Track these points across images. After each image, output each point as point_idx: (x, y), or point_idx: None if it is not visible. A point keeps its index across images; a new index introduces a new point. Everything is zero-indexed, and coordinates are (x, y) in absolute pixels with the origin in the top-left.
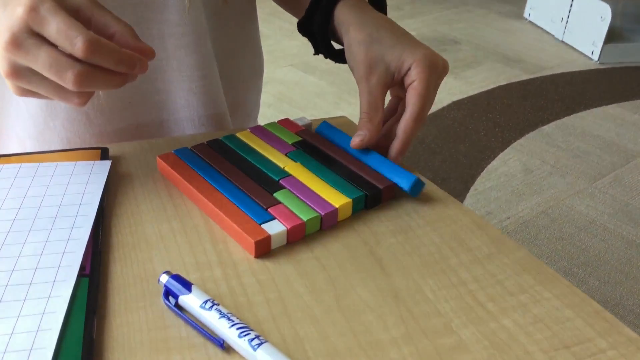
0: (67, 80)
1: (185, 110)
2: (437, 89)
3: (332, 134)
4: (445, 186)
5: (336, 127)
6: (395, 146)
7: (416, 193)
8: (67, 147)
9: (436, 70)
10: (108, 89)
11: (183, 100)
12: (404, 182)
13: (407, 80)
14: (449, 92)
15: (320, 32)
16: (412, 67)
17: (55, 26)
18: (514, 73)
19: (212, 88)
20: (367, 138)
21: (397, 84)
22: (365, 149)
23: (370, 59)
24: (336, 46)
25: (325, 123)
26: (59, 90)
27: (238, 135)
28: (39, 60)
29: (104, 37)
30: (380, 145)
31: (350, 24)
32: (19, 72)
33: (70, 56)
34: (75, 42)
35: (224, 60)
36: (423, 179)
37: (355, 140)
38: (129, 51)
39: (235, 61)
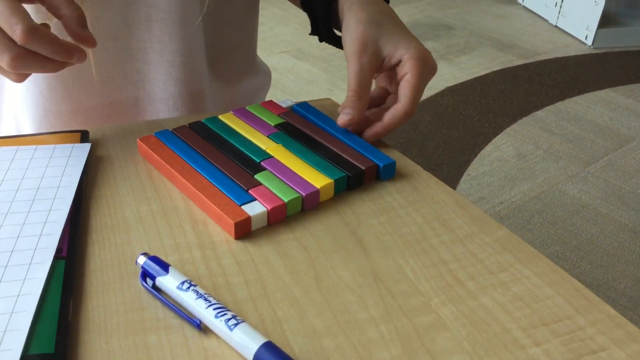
0: (3, 61)
1: (162, 93)
2: (425, 86)
3: (311, 114)
4: (439, 172)
5: (314, 108)
6: (376, 129)
7: (386, 176)
8: (45, 115)
9: (428, 67)
10: (44, 72)
11: (161, 84)
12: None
13: (400, 72)
14: (442, 78)
15: (323, 9)
16: (406, 59)
17: None
18: (507, 58)
19: (194, 77)
20: (356, 117)
21: (384, 71)
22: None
23: (366, 38)
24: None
25: (304, 103)
26: None
27: (220, 117)
28: None
29: (56, 17)
30: (357, 128)
31: (353, 2)
32: None
33: (10, 38)
34: (15, 28)
35: (215, 52)
36: (403, 158)
37: (344, 119)
38: (68, 42)
39: (228, 55)
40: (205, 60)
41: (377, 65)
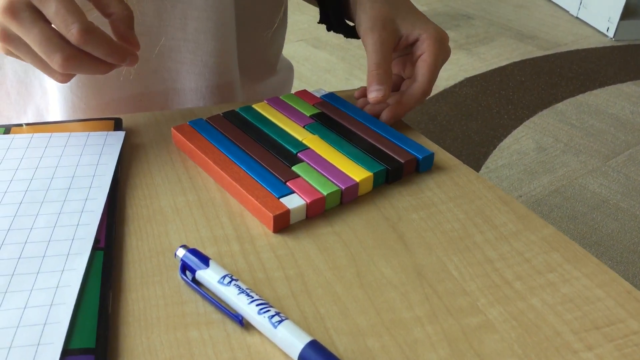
0: (55, 61)
1: (192, 92)
2: (441, 67)
3: (340, 105)
4: None
5: (342, 98)
6: (395, 109)
7: (424, 168)
8: (74, 112)
9: (444, 48)
10: (93, 74)
11: (192, 83)
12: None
13: (417, 52)
14: (461, 69)
15: None
16: (423, 38)
17: (54, 7)
18: (527, 49)
19: (225, 75)
20: (387, 92)
21: (400, 50)
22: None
23: (384, 16)
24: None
25: (331, 94)
26: (44, 66)
27: (254, 106)
28: (31, 35)
29: (104, 15)
30: (375, 110)
31: None
32: (9, 38)
33: (63, 37)
34: (71, 27)
35: (244, 52)
36: (441, 151)
37: (376, 95)
38: (122, 44)
39: (257, 54)
40: (236, 60)
41: (395, 42)
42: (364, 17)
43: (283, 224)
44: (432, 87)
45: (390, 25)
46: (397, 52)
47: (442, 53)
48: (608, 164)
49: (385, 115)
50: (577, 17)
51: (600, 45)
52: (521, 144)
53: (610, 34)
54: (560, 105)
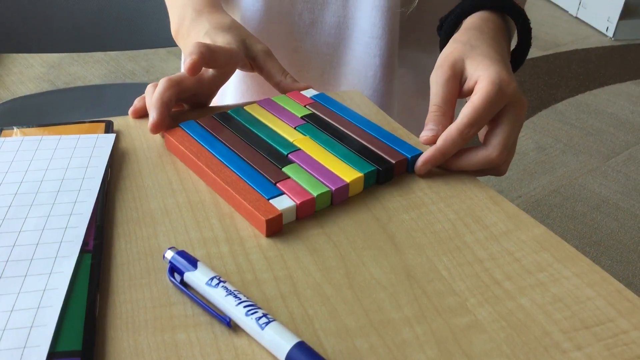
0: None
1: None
2: (492, 114)
3: (332, 106)
4: None
5: (333, 99)
6: (425, 154)
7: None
8: (240, 94)
9: (502, 91)
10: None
11: (358, 86)
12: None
13: (472, 95)
14: None
15: (447, 32)
16: (479, 80)
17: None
18: None
19: (388, 84)
20: (440, 133)
21: (465, 94)
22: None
23: (454, 56)
24: None
25: (322, 94)
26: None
27: (246, 108)
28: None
29: (271, 82)
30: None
31: (462, 29)
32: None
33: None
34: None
35: None
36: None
37: (427, 135)
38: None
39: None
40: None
41: (458, 84)
42: (441, 55)
43: (276, 227)
44: (471, 130)
45: (458, 65)
46: (463, 96)
47: (495, 96)
48: (608, 163)
49: (417, 163)
50: (576, 17)
51: (599, 45)
52: (521, 144)
53: (610, 33)
54: (559, 105)
